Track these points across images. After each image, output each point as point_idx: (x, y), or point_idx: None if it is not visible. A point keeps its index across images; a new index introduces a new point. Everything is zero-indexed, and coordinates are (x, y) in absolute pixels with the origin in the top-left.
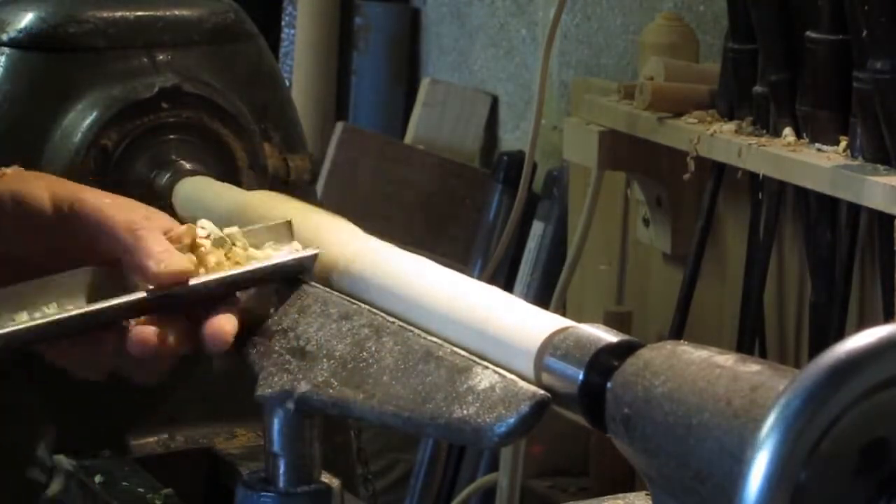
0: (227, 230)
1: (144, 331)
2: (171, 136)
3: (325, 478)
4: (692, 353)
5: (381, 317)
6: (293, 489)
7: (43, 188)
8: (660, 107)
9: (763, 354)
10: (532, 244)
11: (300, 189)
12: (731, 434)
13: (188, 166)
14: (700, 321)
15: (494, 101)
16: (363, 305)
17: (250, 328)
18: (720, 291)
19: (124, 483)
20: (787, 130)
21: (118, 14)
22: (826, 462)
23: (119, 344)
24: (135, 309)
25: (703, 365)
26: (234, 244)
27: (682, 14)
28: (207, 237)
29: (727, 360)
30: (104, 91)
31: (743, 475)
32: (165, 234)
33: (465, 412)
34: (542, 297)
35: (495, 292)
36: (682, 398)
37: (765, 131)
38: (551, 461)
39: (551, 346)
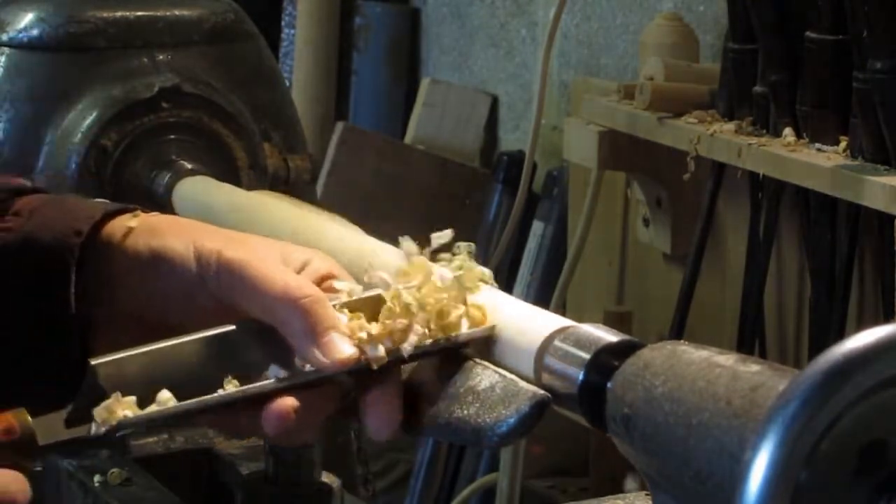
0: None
1: (281, 406)
2: (171, 136)
3: (326, 478)
4: (692, 353)
5: None
6: (293, 489)
7: (187, 243)
8: (660, 107)
9: (763, 354)
10: (532, 244)
11: (300, 189)
12: (731, 434)
13: (188, 166)
14: (700, 321)
15: (494, 101)
16: None
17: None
18: (720, 291)
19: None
20: (787, 130)
21: (118, 14)
22: (826, 462)
23: (256, 415)
24: (284, 390)
25: (703, 365)
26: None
27: (682, 14)
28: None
29: (727, 360)
30: (104, 91)
31: (743, 475)
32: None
33: (464, 412)
34: (542, 297)
35: (495, 293)
36: (682, 398)
37: (765, 131)
38: (551, 461)
39: (551, 346)
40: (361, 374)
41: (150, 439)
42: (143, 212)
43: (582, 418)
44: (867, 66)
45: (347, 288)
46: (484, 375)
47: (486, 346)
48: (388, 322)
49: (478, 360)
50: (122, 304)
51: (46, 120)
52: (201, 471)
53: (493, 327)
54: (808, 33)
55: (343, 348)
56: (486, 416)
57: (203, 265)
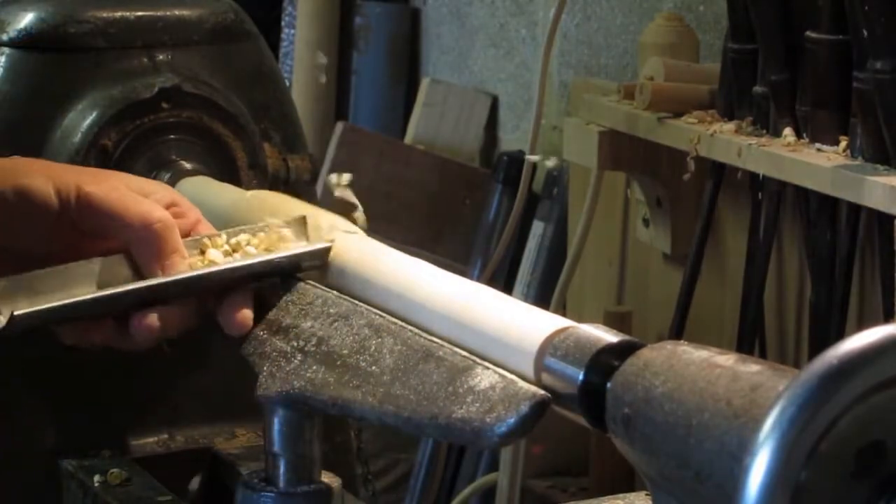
0: (240, 235)
1: (148, 318)
2: (171, 136)
3: (326, 477)
4: (692, 353)
5: (381, 316)
6: (293, 489)
7: (46, 180)
8: (660, 107)
9: (763, 354)
10: (532, 244)
11: (300, 189)
12: (731, 434)
13: (188, 166)
14: (700, 321)
15: (494, 101)
16: (362, 305)
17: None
18: (720, 291)
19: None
20: (787, 130)
21: (118, 14)
22: (825, 463)
23: (121, 324)
24: (143, 296)
25: (703, 365)
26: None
27: (682, 14)
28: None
29: (727, 360)
30: (104, 91)
31: (743, 475)
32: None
33: (465, 412)
34: (542, 297)
35: (495, 293)
36: (682, 398)
37: (765, 131)
38: (551, 461)
39: (551, 346)
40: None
41: (150, 440)
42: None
43: (582, 418)
44: (867, 66)
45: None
46: (484, 376)
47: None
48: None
49: (478, 361)
50: None
51: (46, 120)
52: (201, 471)
53: (322, 248)
54: (808, 33)
55: (179, 268)
56: (486, 416)
57: (63, 199)
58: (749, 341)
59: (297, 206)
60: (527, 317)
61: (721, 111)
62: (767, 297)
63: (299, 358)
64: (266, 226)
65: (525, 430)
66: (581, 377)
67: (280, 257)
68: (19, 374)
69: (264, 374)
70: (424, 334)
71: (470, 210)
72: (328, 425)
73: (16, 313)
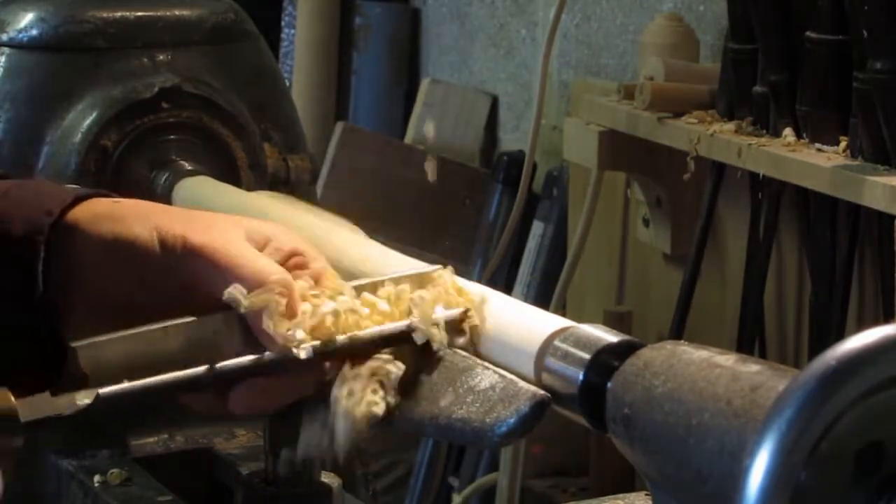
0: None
1: (250, 397)
2: (171, 136)
3: (326, 477)
4: (692, 353)
5: None
6: (293, 489)
7: (150, 228)
8: (660, 107)
9: (763, 354)
10: (532, 244)
11: (300, 189)
12: (731, 434)
13: (188, 166)
14: (700, 321)
15: (494, 101)
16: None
17: None
18: (720, 291)
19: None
20: (787, 130)
21: (118, 14)
22: (825, 463)
23: (221, 395)
24: (249, 370)
25: (703, 365)
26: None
27: (682, 14)
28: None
29: (727, 360)
30: (104, 91)
31: (743, 475)
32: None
33: (465, 412)
34: (542, 297)
35: (495, 294)
36: (682, 398)
37: (765, 131)
38: (551, 461)
39: (551, 346)
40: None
41: (150, 440)
42: (113, 197)
43: (582, 418)
44: (867, 66)
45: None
46: (484, 376)
47: (486, 345)
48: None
49: (478, 361)
50: (88, 287)
51: (46, 120)
52: (201, 471)
53: (464, 311)
54: (808, 33)
55: (295, 337)
56: (487, 416)
57: (168, 250)
58: (749, 341)
59: (298, 208)
60: (527, 317)
61: (721, 111)
62: (767, 297)
63: None
64: (394, 279)
65: (525, 430)
66: (581, 377)
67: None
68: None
69: None
70: None
71: (470, 210)
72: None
73: (101, 392)
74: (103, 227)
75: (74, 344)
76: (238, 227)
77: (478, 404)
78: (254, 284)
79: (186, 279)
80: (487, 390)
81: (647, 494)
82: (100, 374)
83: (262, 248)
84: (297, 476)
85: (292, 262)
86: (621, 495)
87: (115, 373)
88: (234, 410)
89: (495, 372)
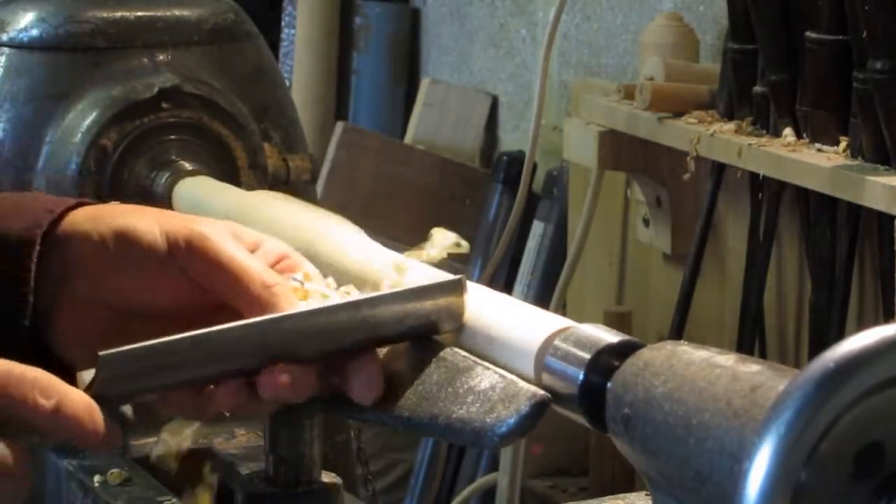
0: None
1: (278, 375)
2: (171, 136)
3: (326, 477)
4: (692, 354)
5: None
6: (293, 489)
7: (152, 222)
8: (660, 107)
9: (763, 354)
10: (532, 244)
11: (300, 189)
12: (731, 434)
13: (188, 166)
14: (700, 321)
15: (494, 101)
16: None
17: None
18: (720, 291)
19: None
20: (787, 130)
21: (118, 14)
22: (825, 463)
23: (244, 385)
24: (268, 345)
25: (703, 365)
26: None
27: (682, 14)
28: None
29: (727, 360)
30: (104, 91)
31: (743, 475)
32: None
33: (465, 413)
34: (542, 297)
35: (495, 294)
36: (682, 398)
37: (765, 131)
38: (551, 461)
39: (551, 346)
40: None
41: (150, 440)
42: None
43: (582, 418)
44: (867, 66)
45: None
46: (484, 376)
47: (486, 345)
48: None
49: (478, 361)
50: (83, 287)
51: (46, 120)
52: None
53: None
54: (808, 33)
55: None
56: (486, 416)
57: (171, 242)
58: (749, 341)
59: (298, 208)
60: (527, 317)
61: (721, 111)
62: (767, 297)
63: None
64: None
65: (525, 430)
66: (581, 377)
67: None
68: None
69: None
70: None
71: (470, 210)
72: (328, 425)
73: (102, 353)
74: (105, 223)
75: (103, 353)
76: (228, 227)
77: (478, 404)
78: (261, 286)
79: (189, 274)
80: (487, 390)
81: (647, 494)
82: (125, 380)
83: (252, 251)
84: (297, 476)
85: (280, 266)
86: (621, 495)
87: (140, 380)
88: (263, 397)
89: (495, 372)
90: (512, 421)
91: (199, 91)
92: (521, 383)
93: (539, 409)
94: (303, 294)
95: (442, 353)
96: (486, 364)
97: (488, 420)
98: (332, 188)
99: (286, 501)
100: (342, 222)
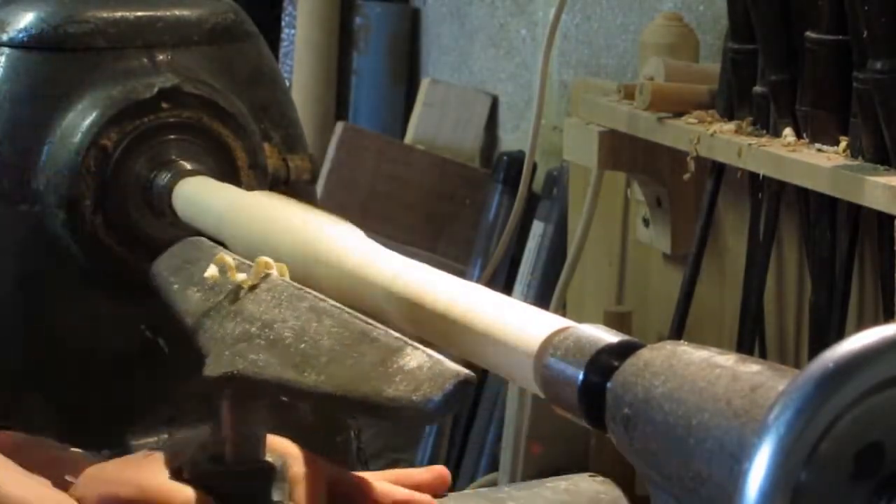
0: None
1: None
2: (171, 136)
3: (270, 457)
4: (692, 354)
5: (324, 300)
6: (239, 467)
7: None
8: (660, 107)
9: (763, 354)
10: (532, 244)
11: (300, 189)
12: (731, 434)
13: (188, 166)
14: (700, 321)
15: (494, 101)
16: (308, 290)
17: None
18: (720, 291)
19: None
20: (787, 130)
21: (118, 14)
22: (825, 463)
23: None
24: None
25: (703, 365)
26: None
27: (682, 14)
28: None
29: (727, 360)
30: (104, 91)
31: (743, 475)
32: None
33: (394, 391)
34: (542, 297)
35: (494, 294)
36: (682, 398)
37: (765, 131)
38: (551, 461)
39: (551, 346)
40: None
41: (150, 440)
42: None
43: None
44: (867, 66)
45: None
46: (414, 355)
47: (486, 345)
48: None
49: (408, 341)
50: None
51: (46, 120)
52: None
53: None
54: (808, 33)
55: None
56: (413, 394)
57: None
58: (749, 341)
59: (298, 208)
60: (526, 317)
61: (721, 111)
62: (767, 297)
63: (245, 341)
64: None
65: (450, 408)
66: (581, 377)
67: None
68: (21, 375)
69: (213, 356)
70: (362, 317)
71: (470, 210)
72: (328, 425)
73: None
74: None
75: None
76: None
77: (405, 383)
78: None
79: None
80: (415, 370)
81: (590, 475)
82: None
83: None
84: (242, 455)
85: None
86: (564, 476)
87: None
88: None
89: (424, 352)
90: (437, 399)
91: (199, 91)
92: (448, 363)
93: (463, 387)
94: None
95: (375, 334)
96: (416, 344)
97: (415, 398)
98: (332, 188)
99: (230, 477)
100: (342, 222)
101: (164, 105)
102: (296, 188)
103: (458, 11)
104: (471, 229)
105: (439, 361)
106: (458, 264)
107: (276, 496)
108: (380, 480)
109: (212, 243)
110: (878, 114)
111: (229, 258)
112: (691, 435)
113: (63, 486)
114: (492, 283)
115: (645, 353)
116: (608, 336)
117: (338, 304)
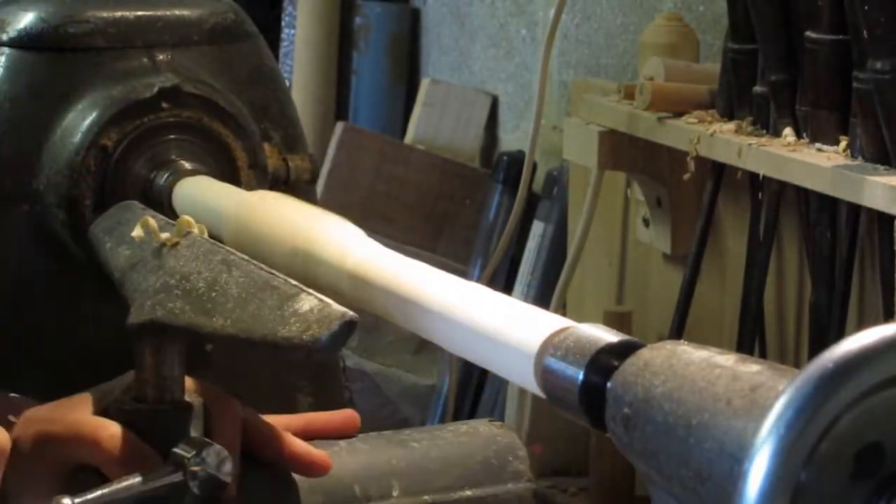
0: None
1: None
2: (171, 136)
3: (189, 398)
4: (692, 353)
5: (233, 254)
6: (160, 406)
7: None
8: (660, 107)
9: (763, 354)
10: (532, 244)
11: (300, 189)
12: (731, 434)
13: (188, 166)
14: (700, 321)
15: (494, 101)
16: (221, 245)
17: None
18: (720, 291)
19: None
20: (787, 130)
21: (118, 14)
22: (825, 463)
23: None
24: None
25: (703, 365)
26: None
27: (682, 14)
28: None
29: (727, 360)
30: (104, 91)
31: (743, 475)
32: None
33: (287, 331)
34: (542, 297)
35: (494, 294)
36: (682, 398)
37: (765, 131)
38: (551, 461)
39: (551, 346)
40: None
41: None
42: None
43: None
44: (867, 66)
45: None
46: (307, 301)
47: (485, 345)
48: None
49: (303, 288)
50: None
51: (46, 120)
52: None
53: None
54: (808, 33)
55: None
56: (304, 334)
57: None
58: (749, 341)
59: (298, 207)
60: (526, 317)
61: (721, 111)
62: (767, 297)
63: (164, 292)
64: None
65: (337, 346)
66: (581, 377)
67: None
68: (21, 375)
69: (135, 306)
70: (266, 268)
71: (470, 210)
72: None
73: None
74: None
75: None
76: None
77: (298, 324)
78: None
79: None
80: (307, 313)
81: (490, 421)
82: None
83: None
84: (162, 395)
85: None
86: (464, 422)
87: None
88: None
89: (315, 297)
90: (324, 337)
91: (199, 91)
92: (335, 306)
93: (348, 327)
94: None
95: (275, 283)
96: (310, 291)
97: (305, 337)
98: (332, 188)
99: (148, 414)
100: (342, 222)
101: (164, 105)
102: (296, 188)
103: (458, 11)
104: (471, 229)
105: (328, 305)
106: (458, 264)
107: (193, 432)
108: (292, 425)
109: (143, 206)
110: (878, 114)
111: (152, 221)
112: (691, 435)
113: (6, 425)
114: (492, 283)
115: (645, 353)
116: (608, 336)
117: (245, 257)
